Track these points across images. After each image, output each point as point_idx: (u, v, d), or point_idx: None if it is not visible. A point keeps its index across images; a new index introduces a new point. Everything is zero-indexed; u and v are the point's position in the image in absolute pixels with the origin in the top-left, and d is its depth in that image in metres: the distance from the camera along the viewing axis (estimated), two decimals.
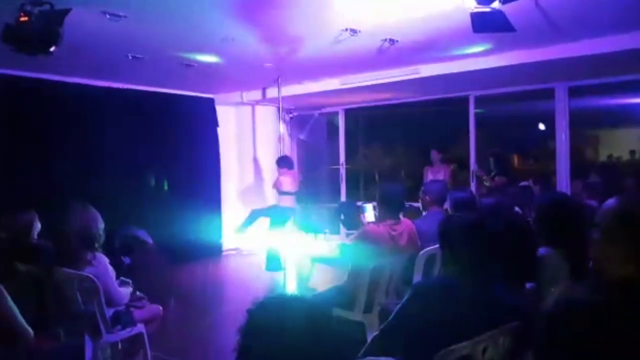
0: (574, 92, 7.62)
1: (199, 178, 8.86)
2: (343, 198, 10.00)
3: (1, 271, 2.76)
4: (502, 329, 2.11)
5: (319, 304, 1.56)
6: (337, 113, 10.10)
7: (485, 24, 4.01)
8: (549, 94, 7.77)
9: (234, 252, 9.61)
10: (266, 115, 9.75)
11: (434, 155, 8.63)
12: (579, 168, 7.68)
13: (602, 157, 9.15)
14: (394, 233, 3.97)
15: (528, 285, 2.79)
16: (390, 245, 3.91)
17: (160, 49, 5.85)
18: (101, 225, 3.63)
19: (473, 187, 8.19)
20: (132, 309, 3.81)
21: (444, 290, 2.20)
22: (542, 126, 8.75)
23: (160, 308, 4.15)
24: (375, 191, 4.21)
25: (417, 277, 3.82)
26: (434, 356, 2.02)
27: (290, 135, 10.52)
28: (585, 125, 8.56)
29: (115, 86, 7.80)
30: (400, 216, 4.11)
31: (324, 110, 10.04)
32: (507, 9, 3.86)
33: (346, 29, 5.10)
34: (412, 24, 4.96)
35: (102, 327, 3.51)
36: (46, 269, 3.50)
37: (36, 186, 6.64)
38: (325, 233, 8.57)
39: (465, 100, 8.51)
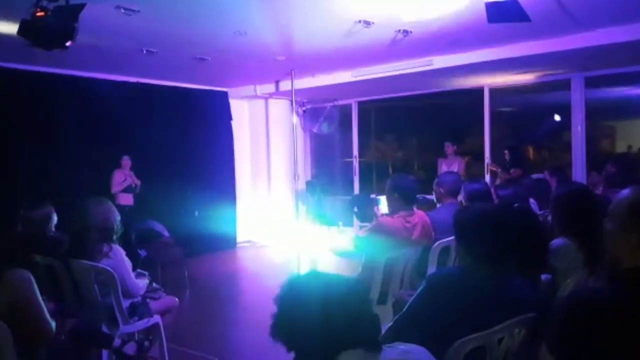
0: (590, 83, 7.53)
1: (213, 171, 8.91)
2: (356, 190, 10.01)
3: (19, 263, 2.79)
4: (518, 320, 2.10)
5: (358, 284, 1.59)
6: (350, 105, 10.12)
7: (500, 14, 3.98)
8: (564, 84, 7.69)
9: (247, 244, 9.67)
10: (279, 108, 9.78)
11: (448, 147, 8.59)
12: (595, 160, 7.59)
13: (620, 148, 9.00)
14: (408, 225, 3.95)
15: (543, 276, 2.78)
16: (404, 237, 3.89)
17: (174, 43, 5.87)
18: (118, 217, 3.67)
19: (487, 179, 8.15)
20: (148, 300, 3.85)
21: (458, 281, 2.19)
22: (557, 117, 8.65)
23: (177, 299, 4.19)
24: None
25: (431, 269, 3.81)
26: (449, 347, 2.02)
27: (304, 128, 10.53)
28: (602, 116, 8.43)
29: (129, 80, 7.86)
30: (414, 208, 4.09)
31: (337, 103, 10.02)
32: None
33: (360, 21, 5.08)
34: (426, 14, 4.92)
35: (119, 318, 3.56)
36: (64, 261, 3.55)
37: (52, 180, 6.73)
38: (338, 225, 8.57)
39: (479, 91, 8.45)
